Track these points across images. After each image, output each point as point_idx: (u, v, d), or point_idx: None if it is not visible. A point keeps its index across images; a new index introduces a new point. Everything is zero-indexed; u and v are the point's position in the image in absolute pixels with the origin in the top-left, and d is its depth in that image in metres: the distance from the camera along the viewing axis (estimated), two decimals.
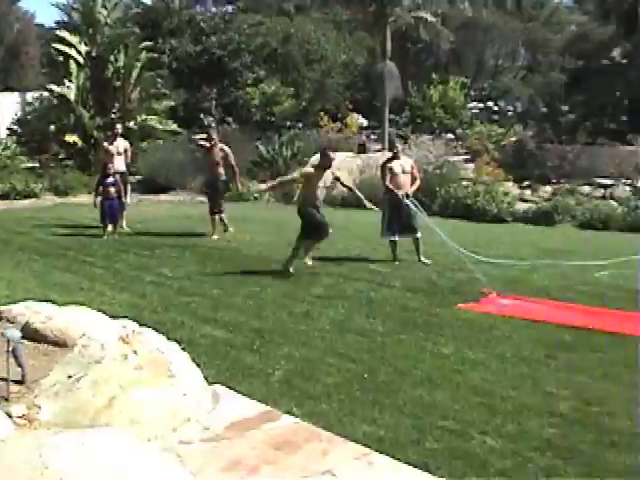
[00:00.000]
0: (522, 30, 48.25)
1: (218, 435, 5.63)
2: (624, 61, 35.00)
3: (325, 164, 13.58)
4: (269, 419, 6.03)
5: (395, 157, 15.14)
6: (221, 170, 17.60)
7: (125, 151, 18.88)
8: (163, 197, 27.07)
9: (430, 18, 37.02)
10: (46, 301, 7.93)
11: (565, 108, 34.56)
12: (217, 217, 17.65)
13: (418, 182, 15.13)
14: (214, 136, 17.74)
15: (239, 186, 18.44)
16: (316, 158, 14.19)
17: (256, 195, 27.04)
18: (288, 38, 41.24)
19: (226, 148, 17.77)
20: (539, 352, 9.20)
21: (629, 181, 24.98)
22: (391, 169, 14.88)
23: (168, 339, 5.88)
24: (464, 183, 24.66)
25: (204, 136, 18.36)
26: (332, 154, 13.86)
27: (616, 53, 35.63)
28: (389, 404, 7.35)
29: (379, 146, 32.68)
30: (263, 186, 23.82)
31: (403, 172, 14.89)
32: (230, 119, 36.89)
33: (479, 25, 46.40)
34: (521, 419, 7.08)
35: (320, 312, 10.93)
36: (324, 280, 13.17)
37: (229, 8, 46.67)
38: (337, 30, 44.40)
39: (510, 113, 38.69)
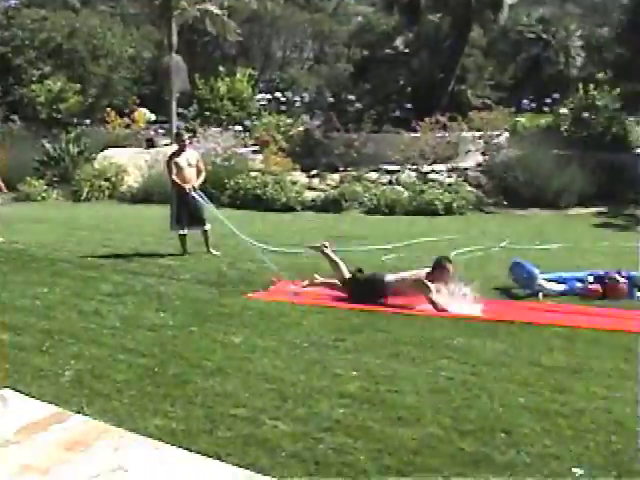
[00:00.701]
0: (309, 22, 48.84)
1: (7, 440, 5.52)
2: (407, 50, 35.92)
3: (443, 278, 11.41)
4: (59, 420, 5.96)
5: (182, 150, 15.14)
6: None
7: None
8: None
9: (216, 11, 37.08)
10: None
11: (352, 97, 35.18)
12: None
13: (204, 175, 15.22)
14: None
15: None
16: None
17: (43, 195, 26.49)
18: (73, 33, 40.48)
19: None
20: (328, 336, 9.37)
21: (414, 166, 25.66)
22: (177, 163, 14.88)
23: None
24: (253, 174, 24.83)
25: None
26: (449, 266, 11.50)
27: (399, 42, 36.49)
28: (181, 396, 7.33)
29: (167, 140, 32.48)
30: None
31: (189, 165, 14.94)
32: (15, 117, 35.96)
33: (266, 17, 46.72)
34: (311, 402, 7.19)
35: (110, 309, 10.78)
36: (113, 277, 13.01)
37: (12, 3, 45.37)
38: (124, 24, 43.84)
39: (298, 104, 39.10)
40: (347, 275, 11.77)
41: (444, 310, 10.94)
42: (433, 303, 11.05)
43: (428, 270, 11.36)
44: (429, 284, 11.14)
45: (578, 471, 6.04)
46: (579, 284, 11.78)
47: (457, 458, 6.12)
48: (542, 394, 7.54)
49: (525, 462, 6.12)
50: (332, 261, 12.06)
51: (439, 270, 11.28)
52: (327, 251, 12.19)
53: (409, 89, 35.36)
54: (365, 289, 11.44)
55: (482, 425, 6.73)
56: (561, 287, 11.72)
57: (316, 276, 12.08)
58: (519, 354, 8.80)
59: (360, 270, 11.84)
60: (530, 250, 14.97)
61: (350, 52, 43.02)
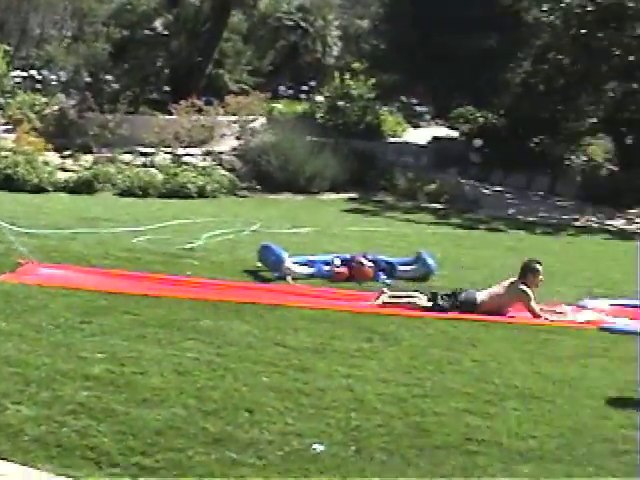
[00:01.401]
0: None
1: None
2: (166, 32, 35.70)
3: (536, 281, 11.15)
4: None
5: None
6: None
7: None
8: None
9: None
10: None
11: (109, 78, 34.64)
12: None
13: None
14: None
15: None
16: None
17: None
18: None
19: None
20: (75, 318, 9.21)
21: (169, 149, 25.55)
22: None
23: None
24: (4, 153, 24.02)
25: None
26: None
27: (159, 24, 36.20)
28: None
29: None
30: None
31: None
32: None
33: None
34: (55, 385, 7.07)
35: None
36: None
37: None
38: None
39: (54, 82, 38.16)
40: (424, 303, 10.97)
41: (541, 317, 10.80)
42: (532, 311, 10.82)
43: (514, 279, 11.09)
44: (527, 290, 10.88)
45: (318, 447, 6.24)
46: (326, 267, 12.09)
47: (200, 437, 6.20)
48: (286, 374, 7.74)
49: (267, 440, 6.27)
50: (404, 302, 11.07)
51: (532, 273, 11.07)
52: (389, 299, 11.08)
53: (167, 71, 35.18)
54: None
55: (226, 405, 6.85)
56: (309, 270, 12.00)
57: (384, 290, 11.30)
58: (265, 335, 8.98)
59: (437, 295, 11.06)
60: (281, 234, 15.21)
61: (109, 31, 42.31)
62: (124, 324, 9.15)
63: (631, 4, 26.46)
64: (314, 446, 6.26)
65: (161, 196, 21.66)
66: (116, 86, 32.34)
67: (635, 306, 11.98)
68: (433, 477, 6.03)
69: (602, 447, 6.85)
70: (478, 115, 28.77)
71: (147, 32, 35.93)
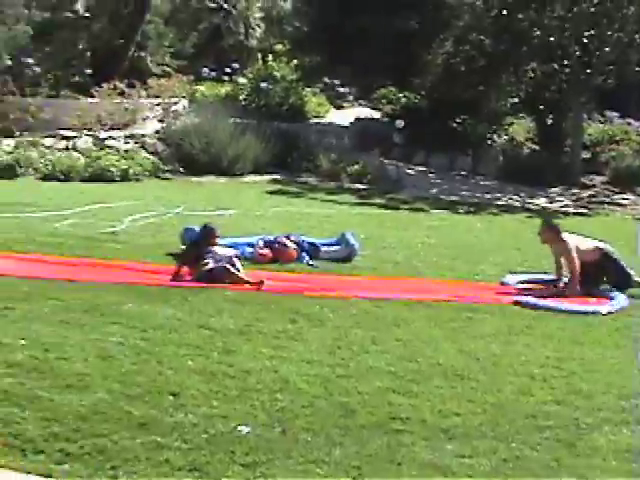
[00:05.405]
0: None
1: None
2: (87, 14, 35.26)
3: None
4: None
5: None
6: None
7: None
8: None
9: None
10: None
11: (31, 61, 34.14)
12: None
13: None
14: None
15: None
16: None
17: None
18: None
19: None
20: None
21: (91, 132, 25.25)
22: None
23: None
24: None
25: None
26: None
27: (80, 6, 35.73)
28: None
29: None
30: None
31: None
32: None
33: None
34: None
35: None
36: None
37: None
38: None
39: None
40: None
41: None
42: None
43: None
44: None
45: (244, 429, 6.27)
46: (249, 249, 12.10)
47: (125, 422, 6.21)
48: (210, 356, 7.77)
49: (192, 423, 6.30)
50: None
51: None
52: None
53: (89, 54, 34.79)
54: None
55: (150, 389, 6.86)
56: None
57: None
58: (189, 318, 8.98)
59: None
60: (205, 217, 15.13)
61: (31, 14, 41.66)
62: (47, 310, 9.06)
63: None
64: (239, 428, 6.30)
65: (84, 180, 21.35)
66: (38, 69, 31.84)
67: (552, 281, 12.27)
68: (359, 456, 6.11)
69: (525, 423, 6.99)
70: (400, 96, 28.88)
71: (68, 14, 35.47)
